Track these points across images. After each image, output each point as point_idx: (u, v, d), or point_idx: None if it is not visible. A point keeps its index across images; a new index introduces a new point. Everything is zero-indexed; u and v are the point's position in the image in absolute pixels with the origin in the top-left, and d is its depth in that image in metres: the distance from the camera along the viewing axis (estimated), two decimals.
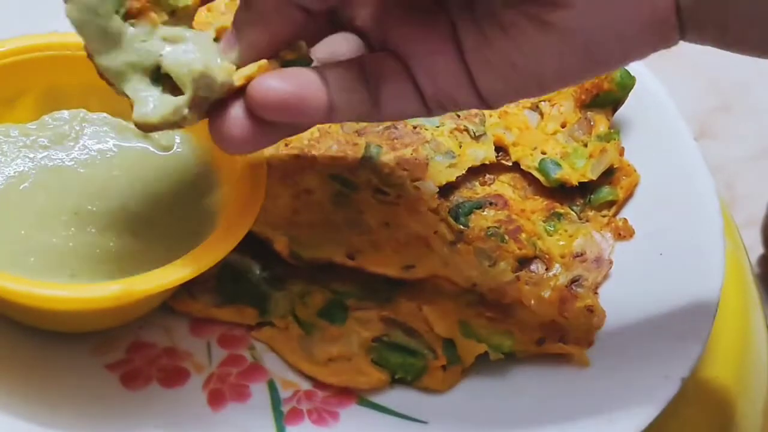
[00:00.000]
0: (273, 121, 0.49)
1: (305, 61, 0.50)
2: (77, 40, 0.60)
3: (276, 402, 0.56)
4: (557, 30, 0.48)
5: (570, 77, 0.51)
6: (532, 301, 0.60)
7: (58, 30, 0.62)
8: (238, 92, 0.49)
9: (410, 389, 0.57)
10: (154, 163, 0.60)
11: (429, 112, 0.51)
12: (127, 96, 0.49)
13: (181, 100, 0.49)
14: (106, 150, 0.60)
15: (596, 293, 0.61)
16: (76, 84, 0.60)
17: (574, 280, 0.61)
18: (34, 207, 0.57)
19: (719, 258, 0.62)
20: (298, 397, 0.56)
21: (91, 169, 0.59)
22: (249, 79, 0.49)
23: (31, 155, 0.59)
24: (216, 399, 0.56)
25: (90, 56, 0.50)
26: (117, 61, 0.49)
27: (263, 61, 0.49)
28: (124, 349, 0.57)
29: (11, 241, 0.56)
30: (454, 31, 0.50)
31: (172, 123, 0.49)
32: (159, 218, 0.58)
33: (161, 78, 0.50)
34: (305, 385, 0.57)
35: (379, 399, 0.57)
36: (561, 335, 0.59)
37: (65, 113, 0.61)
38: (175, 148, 0.60)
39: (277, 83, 0.48)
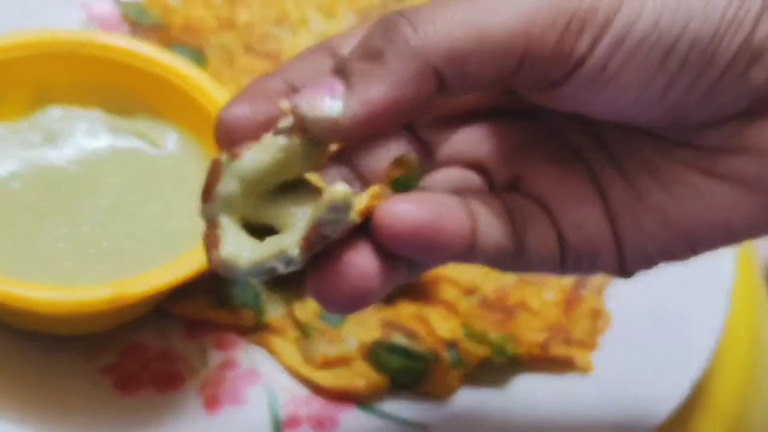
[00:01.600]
0: (401, 258, 0.40)
1: (415, 178, 0.42)
2: (69, 36, 0.60)
3: (273, 407, 0.55)
4: (731, 180, 0.42)
5: (733, 236, 0.43)
6: (536, 304, 0.59)
7: (51, 25, 0.62)
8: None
9: (411, 394, 0.57)
10: (148, 161, 0.59)
11: (563, 270, 0.43)
12: (212, 224, 0.41)
13: (291, 238, 0.39)
14: (98, 148, 0.59)
15: (601, 295, 0.60)
16: (68, 80, 0.60)
17: (579, 282, 0.60)
18: (26, 206, 0.57)
19: (729, 258, 0.61)
20: (296, 402, 0.56)
21: (83, 167, 0.58)
22: (365, 214, 0.39)
23: (23, 153, 0.58)
24: (212, 404, 0.55)
25: (218, 163, 0.41)
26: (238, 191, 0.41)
27: (375, 188, 0.40)
28: (117, 352, 0.56)
29: (2, 241, 0.55)
30: (596, 181, 0.43)
31: (266, 269, 0.39)
32: (153, 218, 0.57)
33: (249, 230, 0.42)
34: (303, 390, 0.56)
35: (378, 404, 0.56)
36: (565, 338, 0.58)
37: (57, 110, 0.60)
38: (168, 146, 0.60)
39: (412, 208, 0.39)
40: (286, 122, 0.40)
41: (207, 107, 0.58)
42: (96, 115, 0.60)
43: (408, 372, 0.56)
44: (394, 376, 0.56)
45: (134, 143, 0.60)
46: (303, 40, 0.67)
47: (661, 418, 0.55)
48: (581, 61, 0.39)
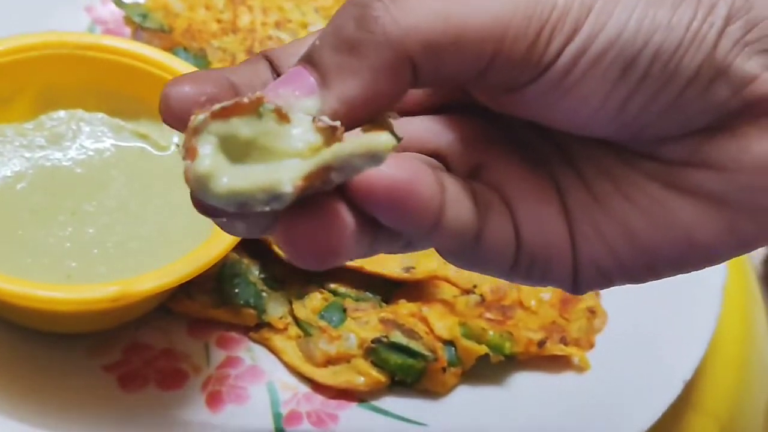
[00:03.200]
0: (370, 223, 0.37)
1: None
2: (75, 39, 0.60)
3: (275, 404, 0.56)
4: (693, 195, 0.39)
5: (695, 255, 0.40)
6: (533, 302, 0.59)
7: (56, 28, 0.62)
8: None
9: (410, 391, 0.57)
10: (152, 162, 0.59)
11: (513, 270, 0.41)
12: (195, 134, 0.36)
13: (287, 173, 0.35)
14: (103, 150, 0.60)
15: (598, 294, 0.61)
16: (73, 83, 0.60)
17: None
18: (31, 207, 0.57)
19: None
20: (297, 399, 0.56)
21: (88, 169, 0.59)
22: None
23: (28, 155, 0.59)
24: (214, 401, 0.55)
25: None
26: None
27: None
28: (121, 350, 0.57)
29: (8, 242, 0.55)
30: (555, 182, 0.41)
31: (241, 202, 0.35)
32: (156, 218, 0.57)
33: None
34: (304, 387, 0.57)
35: (378, 401, 0.56)
36: (562, 337, 0.58)
37: (62, 113, 0.60)
38: (172, 148, 0.60)
39: (390, 165, 0.36)
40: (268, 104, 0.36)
41: None
42: (100, 117, 0.61)
43: (407, 370, 0.57)
44: (394, 373, 0.57)
45: (138, 145, 0.60)
46: None
47: (655, 415, 0.55)
48: (547, 68, 0.38)
